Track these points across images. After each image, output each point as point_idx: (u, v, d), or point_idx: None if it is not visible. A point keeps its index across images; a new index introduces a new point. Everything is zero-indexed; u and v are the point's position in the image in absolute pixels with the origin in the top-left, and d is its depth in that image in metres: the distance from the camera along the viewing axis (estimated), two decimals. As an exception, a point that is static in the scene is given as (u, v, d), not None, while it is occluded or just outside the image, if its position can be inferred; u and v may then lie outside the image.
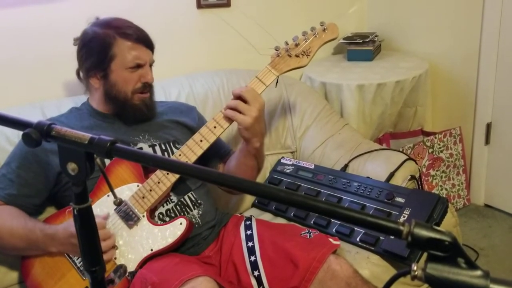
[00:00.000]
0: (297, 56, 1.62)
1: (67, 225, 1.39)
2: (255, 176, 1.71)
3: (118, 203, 0.83)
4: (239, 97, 1.52)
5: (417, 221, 0.59)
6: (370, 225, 0.60)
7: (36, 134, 0.70)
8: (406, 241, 0.59)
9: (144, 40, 1.58)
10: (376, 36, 2.72)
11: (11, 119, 0.74)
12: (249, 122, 1.49)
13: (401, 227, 0.59)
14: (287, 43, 1.62)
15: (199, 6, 2.28)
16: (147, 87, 1.61)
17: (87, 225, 0.76)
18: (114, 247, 1.43)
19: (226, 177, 0.65)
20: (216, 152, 1.71)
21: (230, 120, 1.54)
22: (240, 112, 1.50)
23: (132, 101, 1.59)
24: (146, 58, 1.58)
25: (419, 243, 0.58)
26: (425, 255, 0.60)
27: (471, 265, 0.58)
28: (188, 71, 2.20)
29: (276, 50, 1.61)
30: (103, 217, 1.44)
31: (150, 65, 1.62)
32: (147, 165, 1.35)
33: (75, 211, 0.75)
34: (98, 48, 1.55)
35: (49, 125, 0.72)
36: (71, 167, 0.71)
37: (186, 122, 1.73)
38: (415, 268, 0.59)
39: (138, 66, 1.57)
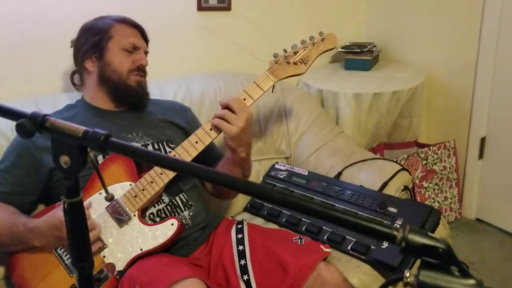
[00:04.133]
0: (295, 63, 1.63)
1: (49, 217, 1.35)
2: None
3: (110, 198, 0.82)
4: (226, 107, 1.52)
5: (411, 226, 0.58)
6: (364, 229, 0.59)
7: (30, 124, 0.70)
8: (399, 246, 0.59)
9: (140, 29, 1.67)
10: (374, 46, 2.73)
11: (4, 108, 0.73)
12: (235, 132, 1.49)
13: (395, 233, 0.59)
14: (285, 51, 1.63)
15: (200, 8, 2.28)
16: (142, 71, 1.64)
17: (77, 220, 0.75)
18: (100, 239, 1.42)
19: (220, 175, 0.64)
20: (209, 155, 1.70)
21: (218, 129, 1.54)
22: (227, 121, 1.50)
23: (127, 81, 1.61)
24: (141, 43, 1.65)
25: (412, 249, 0.58)
26: (416, 265, 0.59)
27: (465, 274, 0.57)
28: (186, 72, 2.20)
29: (275, 57, 1.62)
30: (87, 207, 1.42)
31: (145, 54, 1.66)
32: (141, 161, 1.34)
33: (65, 205, 0.74)
34: (95, 31, 1.61)
35: (43, 116, 0.71)
36: (64, 160, 0.71)
37: (179, 123, 1.73)
38: (407, 274, 0.59)
39: (134, 48, 1.61)
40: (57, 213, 1.33)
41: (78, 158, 0.70)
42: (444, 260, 0.57)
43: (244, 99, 1.56)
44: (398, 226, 1.60)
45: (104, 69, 1.60)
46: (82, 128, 0.70)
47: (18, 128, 0.71)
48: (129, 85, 1.61)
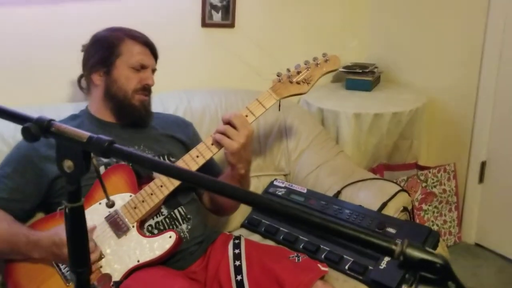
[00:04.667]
0: (297, 83, 1.65)
1: (51, 233, 1.36)
2: (239, 204, 1.72)
3: (110, 205, 0.83)
4: (228, 123, 1.53)
5: (409, 241, 0.59)
6: (363, 242, 0.60)
7: (35, 129, 0.70)
8: (398, 260, 0.59)
9: (150, 46, 1.65)
10: (376, 67, 2.75)
11: (11, 112, 0.74)
12: (235, 148, 1.50)
13: (394, 247, 0.59)
14: (289, 70, 1.65)
15: (204, 24, 2.30)
16: (147, 90, 1.64)
17: (77, 225, 0.75)
18: (99, 259, 1.41)
19: (222, 185, 0.64)
20: (209, 171, 1.70)
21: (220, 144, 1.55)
22: (228, 137, 1.51)
23: (131, 100, 1.61)
24: (150, 62, 1.64)
25: (410, 264, 0.58)
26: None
27: (462, 290, 0.58)
28: (187, 87, 2.22)
29: (278, 76, 1.64)
30: (91, 229, 1.42)
31: (153, 71, 1.66)
32: (144, 167, 1.34)
33: (67, 209, 0.75)
34: (105, 45, 1.61)
35: (49, 121, 0.72)
36: (67, 164, 0.71)
37: (181, 138, 1.74)
38: (405, 289, 0.59)
39: (142, 67, 1.61)
40: (60, 231, 1.34)
41: (82, 163, 0.71)
42: (442, 275, 0.57)
43: (246, 116, 1.57)
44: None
45: (110, 85, 1.60)
46: (86, 134, 0.71)
47: (24, 131, 0.72)
48: (133, 104, 1.61)
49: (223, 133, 1.52)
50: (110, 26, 1.67)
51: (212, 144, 1.54)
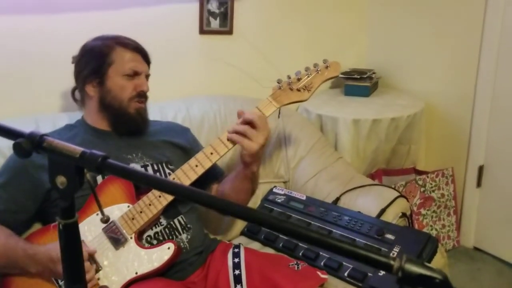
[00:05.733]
0: (298, 90, 1.63)
1: (48, 248, 1.34)
2: (249, 198, 1.73)
3: (105, 220, 0.81)
4: (248, 122, 1.51)
5: (408, 256, 0.58)
6: (361, 258, 0.59)
7: (27, 144, 0.69)
8: (396, 276, 0.58)
9: (142, 52, 1.63)
10: (374, 73, 2.75)
11: (2, 127, 0.73)
12: (255, 149, 1.49)
13: (392, 262, 0.58)
14: (289, 77, 1.64)
15: (202, 31, 2.30)
16: (143, 97, 1.62)
17: (71, 241, 0.74)
18: (96, 272, 1.40)
19: (217, 200, 0.64)
20: (210, 173, 1.69)
21: (229, 144, 1.53)
22: (247, 137, 1.49)
23: (127, 109, 1.59)
24: (142, 68, 1.62)
25: (409, 279, 0.57)
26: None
27: (461, 305, 0.57)
28: (186, 94, 2.21)
29: (278, 83, 1.62)
30: (90, 252, 1.40)
31: (146, 77, 1.64)
32: (138, 183, 1.33)
33: (60, 226, 0.74)
34: (96, 55, 1.58)
35: (41, 136, 0.71)
36: (60, 180, 0.70)
37: (180, 143, 1.73)
38: (404, 305, 0.58)
39: (135, 74, 1.59)
40: (57, 247, 1.32)
41: (75, 179, 0.70)
42: (441, 290, 0.57)
43: (246, 124, 1.57)
44: (395, 255, 1.59)
45: (105, 96, 1.58)
46: (79, 149, 0.70)
47: (16, 147, 0.71)
48: (129, 112, 1.60)
49: (242, 134, 1.51)
50: (99, 35, 1.64)
51: (211, 153, 1.53)
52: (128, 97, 1.58)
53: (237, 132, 1.52)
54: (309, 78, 1.64)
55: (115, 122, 1.61)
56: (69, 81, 1.69)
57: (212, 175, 1.71)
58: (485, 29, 2.42)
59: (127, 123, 1.61)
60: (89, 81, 1.59)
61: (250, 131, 1.50)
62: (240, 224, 1.96)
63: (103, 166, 0.67)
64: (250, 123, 1.51)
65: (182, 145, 1.73)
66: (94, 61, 1.58)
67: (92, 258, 1.40)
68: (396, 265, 0.57)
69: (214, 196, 0.65)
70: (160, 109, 1.98)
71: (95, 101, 1.61)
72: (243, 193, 1.65)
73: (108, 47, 1.58)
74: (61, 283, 1.41)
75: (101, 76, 1.57)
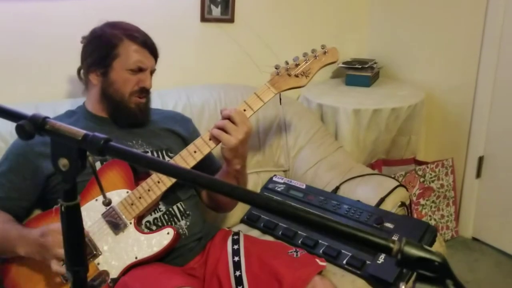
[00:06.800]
0: (296, 76, 1.63)
1: (41, 227, 1.34)
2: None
3: (107, 203, 0.82)
4: (228, 118, 1.52)
5: (407, 239, 0.58)
6: (361, 240, 0.59)
7: (30, 126, 0.70)
8: (395, 259, 0.58)
9: (149, 47, 1.60)
10: (375, 63, 2.75)
11: (5, 109, 0.74)
12: (233, 143, 1.49)
13: (391, 245, 0.59)
14: (287, 63, 1.63)
15: (203, 19, 2.29)
16: (144, 92, 1.61)
17: (73, 223, 0.75)
18: (96, 257, 1.41)
19: (218, 182, 0.64)
20: (208, 167, 1.70)
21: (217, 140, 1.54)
22: (226, 132, 1.50)
23: (128, 103, 1.59)
24: (148, 64, 1.59)
25: (408, 262, 0.58)
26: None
27: (460, 288, 0.57)
28: (186, 82, 2.21)
29: (276, 69, 1.62)
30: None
31: (151, 72, 1.63)
32: (140, 166, 1.34)
33: (62, 208, 0.74)
34: (103, 45, 1.57)
35: (43, 118, 0.71)
36: (63, 162, 0.71)
37: (180, 132, 1.73)
38: (403, 287, 0.58)
39: (139, 70, 1.57)
40: (51, 224, 1.32)
41: (77, 161, 0.70)
42: (440, 273, 0.57)
43: (244, 110, 1.56)
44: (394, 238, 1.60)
45: (107, 87, 1.58)
46: (82, 131, 0.70)
47: (18, 129, 0.72)
48: (129, 107, 1.59)
49: (221, 128, 1.51)
50: (110, 21, 1.62)
51: (210, 139, 1.53)
52: (129, 91, 1.57)
53: (217, 127, 1.52)
54: (307, 64, 1.63)
55: (115, 113, 1.61)
56: (71, 68, 1.69)
57: (210, 169, 1.71)
58: (487, 19, 2.41)
59: (127, 116, 1.60)
60: (93, 70, 1.58)
61: (229, 126, 1.50)
62: (239, 212, 1.96)
63: (106, 148, 0.68)
64: (228, 118, 1.51)
65: (183, 134, 1.73)
66: (100, 50, 1.57)
67: (92, 243, 1.41)
68: (396, 248, 0.58)
69: (215, 178, 0.65)
70: (161, 96, 1.98)
71: (97, 90, 1.61)
72: None
73: (116, 38, 1.56)
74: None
75: (105, 67, 1.56)
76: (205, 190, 1.72)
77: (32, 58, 1.92)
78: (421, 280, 0.58)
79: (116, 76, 1.56)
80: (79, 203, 0.76)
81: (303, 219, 0.60)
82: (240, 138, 1.49)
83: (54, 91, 1.97)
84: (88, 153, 0.72)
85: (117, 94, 1.57)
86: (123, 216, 1.45)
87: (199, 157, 1.52)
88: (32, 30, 1.90)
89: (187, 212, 1.58)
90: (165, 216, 1.54)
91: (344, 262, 1.61)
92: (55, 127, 0.71)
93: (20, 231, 1.39)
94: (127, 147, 1.52)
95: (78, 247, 0.78)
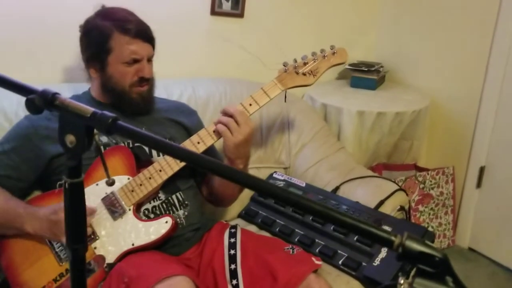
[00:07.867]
0: (304, 74, 1.63)
1: (52, 205, 1.37)
2: (236, 195, 1.74)
3: (111, 183, 0.82)
4: (231, 116, 1.52)
5: (409, 233, 0.58)
6: (363, 232, 0.59)
7: (39, 101, 0.70)
8: (396, 252, 0.59)
9: (143, 35, 1.56)
10: (382, 66, 2.75)
11: (16, 83, 0.74)
12: (234, 143, 1.50)
13: (393, 238, 0.59)
14: (295, 61, 1.64)
15: (213, 12, 2.29)
16: (144, 81, 1.60)
17: (76, 201, 0.75)
18: (93, 241, 1.42)
19: (225, 168, 0.64)
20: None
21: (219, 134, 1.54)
22: (229, 130, 1.50)
23: (129, 94, 1.58)
24: (143, 53, 1.56)
25: (409, 256, 0.58)
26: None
27: (459, 285, 0.57)
28: (193, 74, 2.21)
29: (284, 66, 1.62)
30: (90, 212, 1.42)
31: (149, 60, 1.60)
32: (147, 146, 1.34)
33: (66, 184, 0.74)
34: (96, 40, 1.54)
35: (53, 94, 0.72)
36: (70, 139, 0.71)
37: (185, 123, 1.73)
38: (402, 281, 0.59)
39: (135, 61, 1.56)
40: (62, 203, 1.33)
41: (84, 138, 0.71)
42: (440, 269, 0.57)
43: (250, 105, 1.57)
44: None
45: (107, 81, 1.57)
46: (91, 109, 0.71)
47: (28, 103, 0.72)
48: (131, 97, 1.59)
49: (226, 125, 1.52)
50: (102, 9, 1.59)
51: (214, 131, 1.54)
52: (129, 83, 1.57)
53: (222, 123, 1.53)
54: (315, 63, 1.64)
55: (118, 103, 1.61)
56: (75, 52, 1.68)
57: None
58: (497, 29, 2.41)
59: (130, 106, 1.60)
60: (91, 65, 1.58)
61: (232, 124, 1.51)
62: (238, 207, 1.96)
63: (113, 127, 0.68)
64: (232, 117, 1.52)
65: (187, 125, 1.73)
66: (93, 46, 1.56)
67: (90, 226, 1.42)
68: (397, 241, 0.58)
69: (219, 162, 0.65)
70: (166, 86, 1.98)
71: (98, 83, 1.61)
72: (230, 189, 1.67)
73: (107, 31, 1.52)
74: (58, 250, 1.42)
75: (101, 62, 1.55)
76: (207, 181, 1.73)
77: (35, 42, 1.91)
78: (421, 275, 0.58)
79: (113, 70, 1.55)
80: (82, 180, 0.76)
81: (307, 207, 0.60)
82: (241, 139, 1.50)
83: (59, 75, 1.97)
84: (95, 131, 0.72)
85: (117, 86, 1.57)
86: (123, 202, 1.45)
87: (202, 148, 1.53)
88: (36, 13, 1.88)
89: (186, 202, 1.58)
90: (164, 204, 1.54)
91: (340, 262, 1.61)
92: (65, 103, 0.71)
93: (26, 209, 1.41)
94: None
95: (80, 225, 0.78)
